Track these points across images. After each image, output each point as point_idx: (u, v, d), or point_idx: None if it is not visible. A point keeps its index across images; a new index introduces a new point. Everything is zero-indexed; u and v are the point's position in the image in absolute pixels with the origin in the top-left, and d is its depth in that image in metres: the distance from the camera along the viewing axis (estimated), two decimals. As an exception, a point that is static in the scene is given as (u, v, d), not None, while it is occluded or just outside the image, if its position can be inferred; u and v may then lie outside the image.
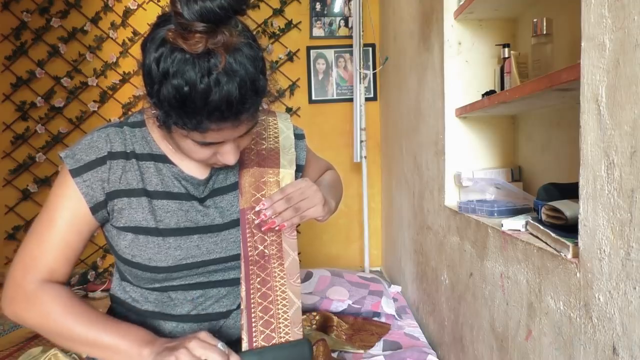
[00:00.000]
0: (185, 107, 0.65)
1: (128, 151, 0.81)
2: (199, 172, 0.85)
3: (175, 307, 0.83)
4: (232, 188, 0.87)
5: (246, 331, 0.79)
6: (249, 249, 0.83)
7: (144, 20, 2.97)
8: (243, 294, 0.81)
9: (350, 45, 2.91)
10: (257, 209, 0.82)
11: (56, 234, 0.77)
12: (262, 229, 0.82)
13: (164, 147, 0.83)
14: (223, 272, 0.85)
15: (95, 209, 0.79)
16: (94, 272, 2.97)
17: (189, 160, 0.83)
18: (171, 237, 0.79)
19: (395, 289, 2.34)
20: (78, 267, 2.89)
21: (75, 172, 0.77)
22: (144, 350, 0.72)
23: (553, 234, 0.83)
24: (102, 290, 2.83)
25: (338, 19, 3.06)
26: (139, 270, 0.79)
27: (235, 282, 0.86)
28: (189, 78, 0.63)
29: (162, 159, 0.82)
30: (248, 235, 0.83)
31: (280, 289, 0.82)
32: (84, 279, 2.90)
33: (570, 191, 0.91)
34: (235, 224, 0.85)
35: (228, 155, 0.74)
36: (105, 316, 0.77)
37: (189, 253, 0.80)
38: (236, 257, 0.84)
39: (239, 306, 0.86)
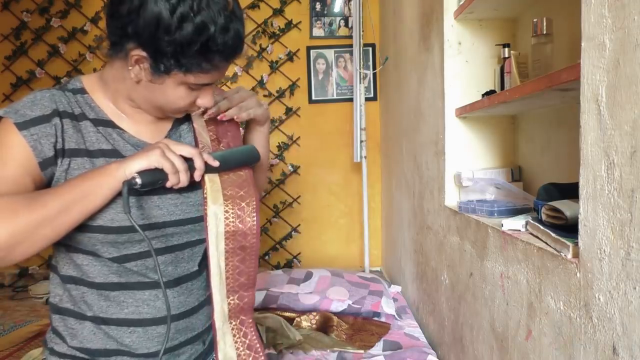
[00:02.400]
0: (206, 46, 0.71)
1: (77, 113, 0.79)
2: (150, 137, 0.84)
3: (139, 276, 0.81)
4: None
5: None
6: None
7: (144, 20, 2.96)
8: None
9: (350, 45, 2.91)
10: (201, 110, 0.86)
11: (9, 177, 0.73)
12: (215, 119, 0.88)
13: (110, 113, 0.82)
14: (183, 235, 0.85)
15: (44, 165, 0.75)
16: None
17: (138, 125, 0.83)
18: (132, 197, 0.78)
19: (395, 289, 2.34)
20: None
21: (22, 126, 0.73)
22: (113, 164, 0.73)
23: (553, 234, 0.83)
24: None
25: (338, 19, 3.06)
26: (100, 233, 0.77)
27: (197, 243, 0.87)
28: (210, 16, 0.70)
29: (111, 124, 0.82)
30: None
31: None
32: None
33: (570, 191, 0.91)
34: (193, 187, 0.83)
35: (209, 96, 0.81)
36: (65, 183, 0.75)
37: (151, 213, 0.80)
38: (197, 220, 0.85)
39: (204, 267, 0.88)
